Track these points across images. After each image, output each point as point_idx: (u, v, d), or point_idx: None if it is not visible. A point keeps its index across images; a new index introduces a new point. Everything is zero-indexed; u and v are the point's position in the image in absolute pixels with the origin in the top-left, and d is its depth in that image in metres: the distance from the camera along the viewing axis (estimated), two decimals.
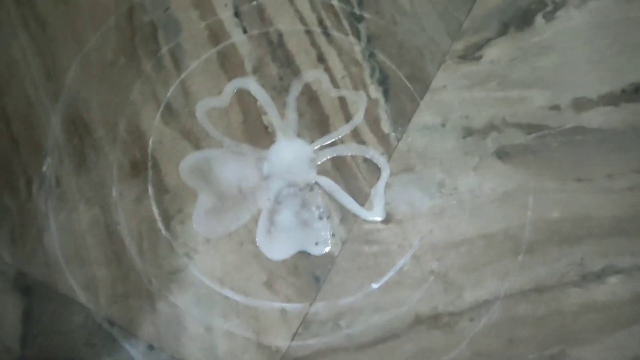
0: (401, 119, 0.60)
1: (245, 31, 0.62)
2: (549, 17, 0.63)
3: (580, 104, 0.61)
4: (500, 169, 0.59)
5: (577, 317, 0.56)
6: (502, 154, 0.60)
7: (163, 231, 0.56)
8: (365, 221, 0.58)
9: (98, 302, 0.54)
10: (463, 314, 0.56)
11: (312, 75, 0.61)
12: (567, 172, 0.59)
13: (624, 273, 0.57)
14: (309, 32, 0.62)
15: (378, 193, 0.58)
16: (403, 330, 0.55)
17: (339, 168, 0.59)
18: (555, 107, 0.61)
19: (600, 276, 0.57)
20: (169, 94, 0.59)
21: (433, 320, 0.55)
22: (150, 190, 0.57)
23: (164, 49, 0.61)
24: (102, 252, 0.55)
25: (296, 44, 0.62)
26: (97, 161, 0.57)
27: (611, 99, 0.61)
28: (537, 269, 0.57)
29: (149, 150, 0.58)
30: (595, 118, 0.61)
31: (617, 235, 0.58)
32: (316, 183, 0.58)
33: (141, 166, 0.57)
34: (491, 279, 0.57)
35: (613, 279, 0.57)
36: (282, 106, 0.60)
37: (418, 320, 0.55)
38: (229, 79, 0.60)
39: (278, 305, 0.55)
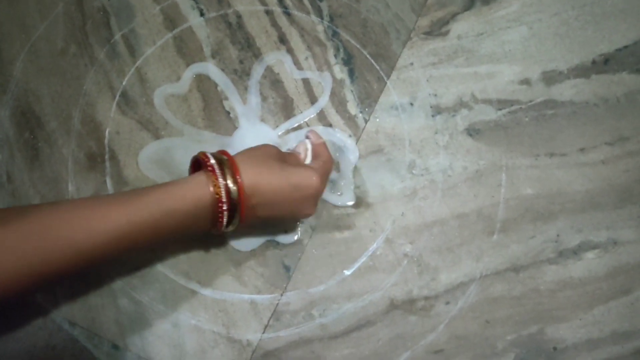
0: (368, 100, 0.59)
1: (202, 14, 0.59)
2: None
3: (551, 77, 0.60)
4: (471, 147, 0.58)
5: (554, 294, 0.55)
6: (472, 132, 0.58)
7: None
8: (335, 206, 0.56)
9: (57, 302, 0.52)
10: (439, 297, 0.54)
11: (274, 57, 0.59)
12: (539, 148, 0.58)
13: (600, 248, 0.56)
14: (269, 13, 0.60)
15: (347, 176, 0.56)
16: (378, 317, 0.53)
17: None
18: (525, 81, 0.60)
19: (576, 252, 0.56)
20: (124, 83, 0.57)
21: (408, 304, 0.54)
22: (109, 183, 0.54)
23: (118, 36, 0.58)
24: None
25: (256, 26, 0.59)
26: (51, 155, 0.55)
27: (582, 71, 0.60)
28: (512, 248, 0.56)
29: (106, 142, 0.55)
30: (566, 91, 0.60)
31: (592, 210, 0.57)
32: None
33: (98, 159, 0.55)
34: (466, 260, 0.55)
35: (589, 255, 0.56)
36: (243, 91, 0.58)
37: (393, 306, 0.54)
38: (187, 65, 0.58)
39: (247, 297, 0.53)
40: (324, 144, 0.52)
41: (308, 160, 0.52)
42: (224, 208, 0.42)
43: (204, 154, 0.44)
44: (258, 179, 0.43)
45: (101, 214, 0.39)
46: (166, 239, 0.43)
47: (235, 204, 0.42)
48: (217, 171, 0.42)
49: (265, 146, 0.48)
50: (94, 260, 0.39)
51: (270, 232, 0.54)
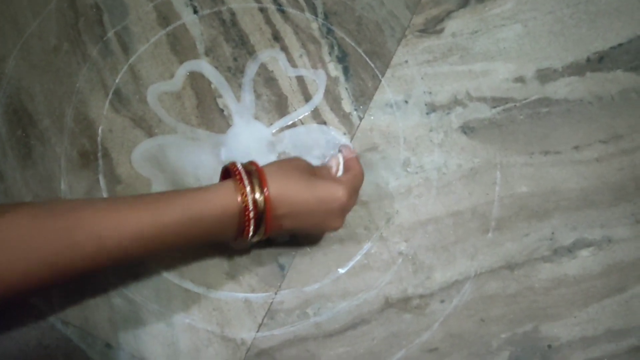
0: (363, 97, 0.58)
1: (195, 11, 0.59)
2: None
3: (545, 75, 0.60)
4: (466, 145, 0.58)
5: (548, 292, 0.55)
6: (467, 129, 0.58)
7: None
8: None
9: (50, 301, 0.51)
10: (434, 296, 0.54)
11: (268, 54, 0.58)
12: (533, 145, 0.58)
13: (594, 245, 0.56)
14: (263, 10, 0.59)
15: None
16: (373, 315, 0.53)
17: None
18: (520, 79, 0.60)
19: (571, 250, 0.56)
20: (117, 80, 0.57)
21: (403, 303, 0.54)
22: (102, 181, 0.54)
23: (111, 33, 0.58)
24: None
25: (250, 23, 0.59)
26: (43, 153, 0.54)
27: (576, 69, 0.60)
28: (507, 246, 0.56)
29: (99, 140, 0.55)
30: (560, 89, 0.60)
31: (587, 208, 0.57)
32: None
33: (91, 157, 0.55)
34: (461, 258, 0.55)
35: (584, 252, 0.56)
36: (237, 88, 0.57)
37: (388, 304, 0.54)
38: (181, 62, 0.58)
39: (241, 295, 0.53)
40: (357, 158, 0.52)
41: (340, 174, 0.51)
42: (251, 217, 0.42)
43: (233, 164, 0.44)
44: (285, 191, 0.43)
45: (130, 214, 0.39)
46: (192, 244, 0.44)
47: (262, 214, 0.43)
48: (245, 181, 0.42)
49: (296, 159, 0.48)
50: (119, 259, 0.40)
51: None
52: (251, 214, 0.42)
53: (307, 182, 0.45)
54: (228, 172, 0.45)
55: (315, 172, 0.48)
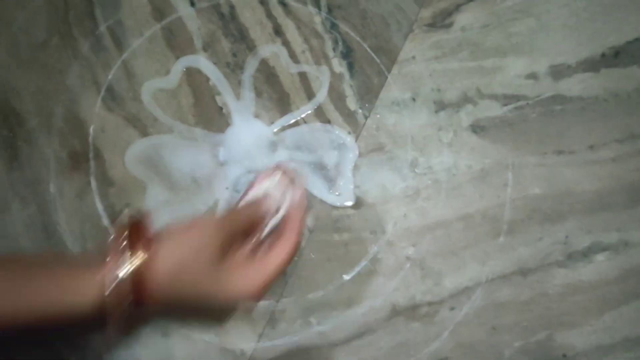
0: (368, 95, 0.56)
1: (192, 4, 0.56)
2: None
3: (559, 71, 0.57)
4: (476, 145, 0.55)
5: (563, 299, 0.53)
6: (477, 128, 0.56)
7: (110, 229, 0.51)
8: (334, 207, 0.53)
9: None
10: (443, 303, 0.52)
11: (269, 50, 0.56)
12: (546, 145, 0.56)
13: (610, 250, 0.54)
14: (263, 3, 0.57)
15: (346, 176, 0.54)
16: (379, 324, 0.51)
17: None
18: (532, 76, 0.57)
19: (586, 254, 0.54)
20: (110, 77, 0.54)
21: (411, 310, 0.52)
22: (93, 184, 0.52)
23: (103, 27, 0.55)
24: None
25: (250, 17, 0.57)
26: (31, 155, 0.52)
27: (591, 65, 0.58)
28: (520, 251, 0.53)
29: (90, 140, 0.53)
30: (574, 86, 0.57)
31: (602, 210, 0.55)
32: None
33: (82, 158, 0.52)
34: (471, 264, 0.53)
35: (600, 257, 0.54)
36: (237, 85, 0.55)
37: (395, 312, 0.52)
38: (177, 58, 0.55)
39: None
40: (301, 207, 0.40)
41: (267, 230, 0.40)
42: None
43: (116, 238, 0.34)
44: (176, 297, 0.34)
45: None
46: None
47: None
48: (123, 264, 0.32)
49: (200, 234, 0.36)
50: None
51: None
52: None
53: (211, 281, 0.35)
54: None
55: (229, 240, 0.37)
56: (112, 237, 0.34)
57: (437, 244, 0.53)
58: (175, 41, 0.55)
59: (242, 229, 0.39)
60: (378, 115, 0.56)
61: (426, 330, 0.51)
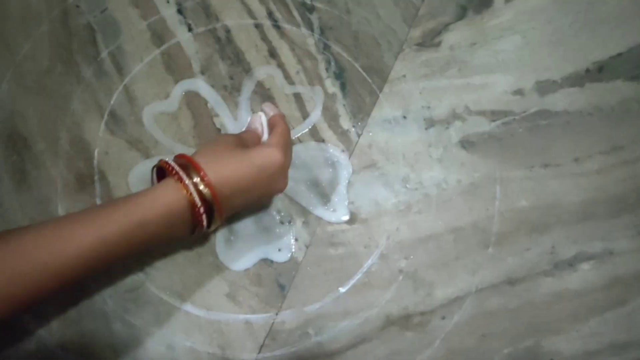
0: (361, 113, 0.58)
1: (190, 29, 0.58)
2: None
3: (544, 87, 0.59)
4: (465, 160, 0.57)
5: (550, 307, 0.55)
6: (466, 144, 0.58)
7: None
8: (329, 223, 0.55)
9: (49, 328, 0.51)
10: (435, 312, 0.54)
11: (265, 71, 0.58)
12: (533, 159, 0.58)
13: (595, 259, 0.56)
14: (258, 26, 0.59)
15: (340, 192, 0.56)
16: (374, 334, 0.53)
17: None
18: (519, 92, 0.59)
19: (572, 264, 0.56)
20: (112, 101, 0.56)
21: (404, 320, 0.54)
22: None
23: (104, 53, 0.57)
24: None
25: (245, 40, 0.58)
26: (38, 177, 0.54)
27: (575, 80, 0.60)
28: (508, 261, 0.55)
29: (95, 163, 0.54)
30: (560, 101, 0.59)
31: (587, 220, 0.57)
32: None
33: (87, 180, 0.54)
34: (462, 274, 0.55)
35: (585, 266, 0.56)
36: (234, 107, 0.57)
37: (389, 322, 0.53)
38: (176, 81, 0.57)
39: (242, 317, 0.53)
40: (279, 114, 0.52)
41: (265, 134, 0.51)
42: (201, 210, 0.42)
43: (164, 161, 0.44)
44: (223, 172, 0.43)
45: (70, 233, 0.38)
46: (144, 250, 0.43)
47: (210, 202, 0.42)
48: (182, 175, 0.41)
49: (220, 136, 0.49)
50: (70, 280, 0.39)
51: (264, 250, 0.54)
52: (201, 208, 0.42)
53: (241, 155, 0.45)
54: (162, 172, 0.45)
55: (243, 142, 0.47)
56: (167, 170, 0.43)
57: (428, 256, 0.55)
58: (174, 65, 0.57)
59: (249, 141, 0.48)
60: (370, 133, 0.58)
61: (419, 339, 0.53)
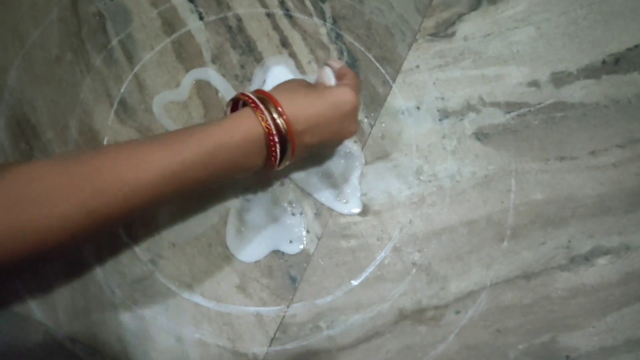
0: (373, 104, 0.57)
1: (201, 17, 0.57)
2: None
3: (560, 79, 0.58)
4: (480, 152, 0.56)
5: (566, 302, 0.54)
6: (481, 136, 0.57)
7: (124, 237, 0.52)
8: (341, 214, 0.54)
9: (57, 318, 0.50)
10: (449, 307, 0.53)
11: (276, 61, 0.57)
12: (549, 151, 0.57)
13: (612, 253, 0.55)
14: (270, 15, 0.58)
15: (353, 184, 0.55)
16: (387, 328, 0.52)
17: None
18: (534, 83, 0.58)
19: (588, 258, 0.55)
20: (122, 90, 0.55)
21: (418, 314, 0.53)
22: None
23: (114, 41, 0.56)
24: (59, 263, 0.51)
25: (257, 29, 0.58)
26: None
27: (592, 72, 0.59)
28: (523, 255, 0.54)
29: None
30: (576, 92, 0.58)
31: (603, 214, 0.56)
32: (287, 177, 0.54)
33: None
34: (476, 268, 0.54)
35: (602, 260, 0.55)
36: None
37: (402, 316, 0.52)
38: (187, 70, 0.56)
39: (253, 309, 0.52)
40: (345, 65, 0.52)
41: (333, 84, 0.51)
42: (276, 140, 0.42)
43: (243, 93, 0.44)
44: (298, 107, 0.44)
45: (151, 154, 0.39)
46: (218, 178, 0.43)
47: (284, 134, 0.43)
48: (261, 106, 0.42)
49: (292, 80, 0.49)
50: (147, 201, 0.39)
51: (275, 242, 0.53)
52: (275, 137, 0.42)
53: (315, 93, 0.46)
54: (236, 105, 0.46)
55: (315, 86, 0.48)
56: (246, 101, 0.43)
57: (442, 249, 0.54)
58: (185, 54, 0.57)
59: (320, 88, 0.48)
60: (383, 124, 0.57)
61: (433, 334, 0.53)
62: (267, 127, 0.42)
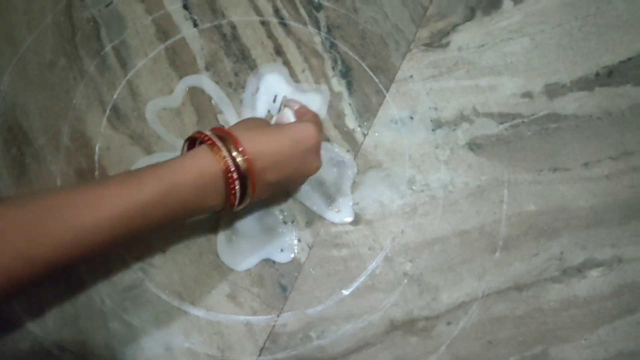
0: (367, 113, 0.57)
1: (195, 25, 0.57)
2: None
3: (553, 90, 0.58)
4: (472, 162, 0.56)
5: (558, 314, 0.53)
6: (474, 146, 0.57)
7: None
8: (333, 223, 0.54)
9: (46, 326, 0.50)
10: (440, 318, 0.53)
11: (270, 69, 0.57)
12: (542, 162, 0.57)
13: (604, 265, 0.55)
14: (264, 23, 0.58)
15: (345, 193, 0.55)
16: (378, 338, 0.52)
17: None
18: (528, 94, 0.58)
19: (580, 270, 0.55)
20: (115, 96, 0.55)
21: (409, 325, 0.52)
22: None
23: (108, 48, 0.56)
24: None
25: (251, 37, 0.58)
26: (39, 172, 0.53)
27: (585, 84, 0.59)
28: (515, 266, 0.54)
29: (96, 158, 0.54)
30: (569, 104, 0.58)
31: (596, 226, 0.56)
32: None
33: (88, 175, 0.53)
34: (468, 279, 0.54)
35: (594, 272, 0.55)
36: (238, 104, 0.56)
37: (393, 327, 0.52)
38: (180, 77, 0.56)
39: (243, 318, 0.51)
40: (304, 105, 0.51)
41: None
42: (234, 177, 0.41)
43: (199, 131, 0.43)
44: (259, 143, 0.42)
45: (102, 194, 0.38)
46: (175, 219, 0.41)
47: (244, 172, 0.41)
48: (218, 143, 0.41)
49: (253, 118, 0.48)
50: (99, 245, 0.37)
51: (266, 250, 0.53)
52: (234, 174, 0.41)
53: (276, 129, 0.44)
54: (193, 144, 0.44)
55: (277, 124, 0.48)
56: (202, 139, 0.42)
57: (434, 260, 0.54)
58: (179, 61, 0.57)
59: None
60: (376, 133, 0.57)
61: (424, 345, 0.52)
62: (225, 165, 0.40)
